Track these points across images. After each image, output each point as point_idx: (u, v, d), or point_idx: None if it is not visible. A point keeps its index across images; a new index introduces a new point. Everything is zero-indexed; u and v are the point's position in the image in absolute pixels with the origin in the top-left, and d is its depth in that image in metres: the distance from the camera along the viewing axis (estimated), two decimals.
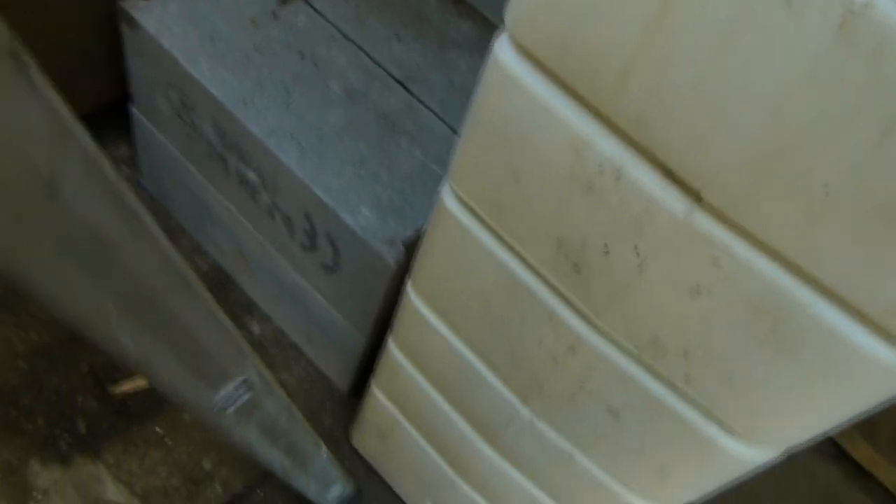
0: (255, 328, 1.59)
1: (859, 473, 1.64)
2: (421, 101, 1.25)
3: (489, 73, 0.65)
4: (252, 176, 1.25)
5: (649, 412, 0.74)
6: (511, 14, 0.60)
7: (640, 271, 0.63)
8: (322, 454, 1.02)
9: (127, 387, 1.42)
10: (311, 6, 1.33)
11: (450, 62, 1.32)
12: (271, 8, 1.31)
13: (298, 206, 1.19)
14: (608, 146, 0.58)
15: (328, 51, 1.28)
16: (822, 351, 0.56)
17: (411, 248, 1.07)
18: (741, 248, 0.55)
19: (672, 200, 0.57)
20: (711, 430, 0.70)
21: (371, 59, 1.28)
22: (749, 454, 0.70)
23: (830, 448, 1.67)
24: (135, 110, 1.46)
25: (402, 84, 1.26)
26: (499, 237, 0.75)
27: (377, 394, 1.23)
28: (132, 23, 1.25)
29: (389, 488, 1.47)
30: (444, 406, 1.05)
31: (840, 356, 0.55)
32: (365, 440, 1.43)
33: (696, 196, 0.56)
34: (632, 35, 0.51)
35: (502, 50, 0.62)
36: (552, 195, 0.65)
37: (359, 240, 1.11)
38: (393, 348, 1.08)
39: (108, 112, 1.53)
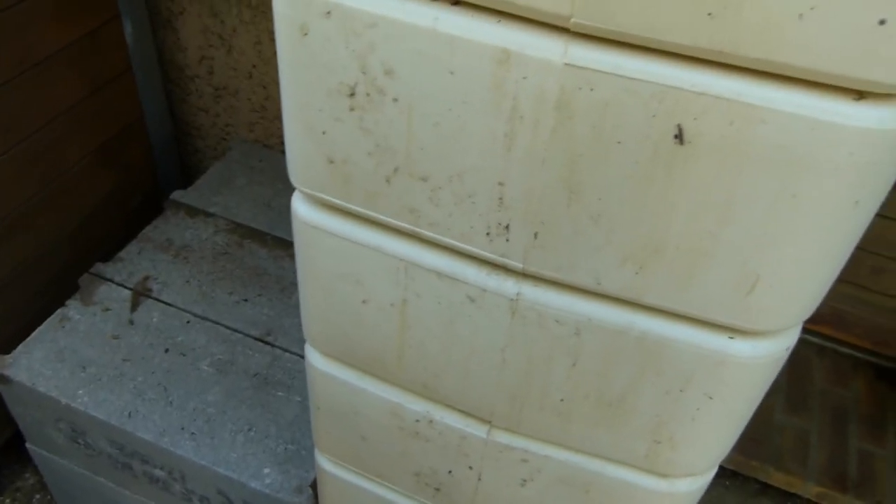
0: None
1: (787, 497, 1.81)
2: (284, 349, 1.40)
3: (310, 371, 0.80)
4: (159, 472, 1.34)
5: None
6: (307, 333, 0.76)
7: (480, 479, 0.78)
8: None
9: None
10: (160, 300, 1.47)
11: (296, 302, 1.48)
12: (126, 317, 1.44)
13: (209, 486, 1.29)
14: (414, 406, 0.74)
15: (188, 336, 1.42)
16: (622, 497, 0.72)
17: (315, 484, 1.19)
18: (535, 447, 0.71)
19: (474, 430, 0.73)
20: None
21: (228, 328, 1.43)
22: None
23: (754, 485, 1.83)
24: (31, 446, 1.53)
25: (261, 340, 1.41)
26: (371, 480, 0.89)
27: None
28: (4, 379, 1.36)
29: None
30: None
31: (636, 496, 0.71)
32: None
33: (488, 422, 0.72)
34: (390, 337, 0.68)
35: (312, 356, 0.78)
36: (394, 444, 0.80)
37: (272, 499, 1.22)
38: None
39: (6, 450, 1.59)
